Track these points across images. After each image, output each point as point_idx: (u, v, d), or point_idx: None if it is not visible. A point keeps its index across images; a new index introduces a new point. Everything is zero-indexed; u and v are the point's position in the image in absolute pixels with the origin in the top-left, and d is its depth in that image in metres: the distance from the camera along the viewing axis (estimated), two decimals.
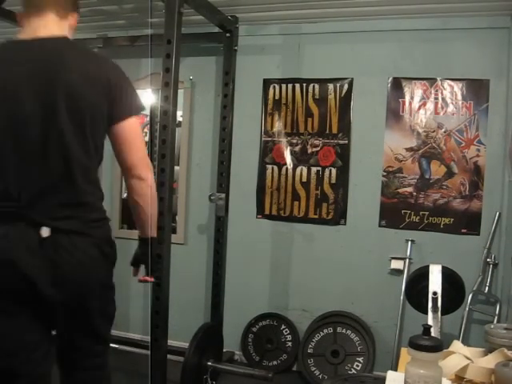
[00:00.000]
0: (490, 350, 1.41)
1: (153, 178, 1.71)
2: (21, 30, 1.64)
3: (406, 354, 1.13)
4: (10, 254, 1.45)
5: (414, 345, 1.08)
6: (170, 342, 2.76)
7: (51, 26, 1.62)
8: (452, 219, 3.18)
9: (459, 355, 1.35)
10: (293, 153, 3.52)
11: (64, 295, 1.53)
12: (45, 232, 1.48)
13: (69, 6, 1.71)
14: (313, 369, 3.29)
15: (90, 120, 1.56)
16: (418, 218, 3.24)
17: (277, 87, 3.54)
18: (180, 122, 3.68)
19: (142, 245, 1.87)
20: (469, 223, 3.16)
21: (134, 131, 1.66)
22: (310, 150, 3.48)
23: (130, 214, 1.85)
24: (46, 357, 1.60)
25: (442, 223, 3.20)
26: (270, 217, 3.57)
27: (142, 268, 1.96)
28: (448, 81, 3.20)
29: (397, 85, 3.29)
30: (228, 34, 3.37)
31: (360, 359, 3.22)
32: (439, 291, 2.19)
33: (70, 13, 1.70)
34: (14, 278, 1.46)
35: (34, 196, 1.50)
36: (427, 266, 2.32)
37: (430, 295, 2.19)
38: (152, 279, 1.99)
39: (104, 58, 1.71)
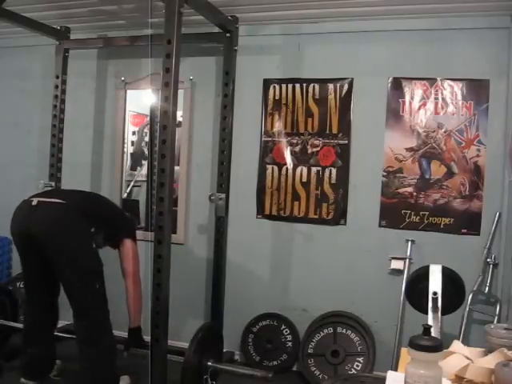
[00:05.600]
0: (490, 350, 1.41)
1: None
2: None
3: (406, 354, 1.14)
4: (18, 214, 2.77)
5: (414, 345, 1.08)
6: (170, 342, 2.76)
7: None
8: (452, 219, 3.18)
9: (459, 355, 1.36)
10: (293, 153, 3.52)
11: (35, 231, 2.65)
12: (34, 202, 2.70)
13: None
14: (313, 369, 3.29)
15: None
16: (418, 218, 3.24)
17: (277, 87, 3.54)
18: (180, 122, 3.68)
19: (130, 334, 2.86)
20: (469, 223, 3.16)
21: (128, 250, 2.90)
22: (310, 150, 3.48)
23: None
24: (37, 265, 2.78)
25: (442, 223, 3.20)
26: (270, 217, 3.57)
27: None
28: (448, 81, 3.20)
29: (397, 85, 3.29)
30: (228, 34, 3.38)
31: (360, 359, 3.22)
32: (439, 291, 2.19)
33: None
34: (17, 225, 2.75)
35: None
36: (427, 266, 2.32)
37: (430, 295, 2.19)
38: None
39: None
